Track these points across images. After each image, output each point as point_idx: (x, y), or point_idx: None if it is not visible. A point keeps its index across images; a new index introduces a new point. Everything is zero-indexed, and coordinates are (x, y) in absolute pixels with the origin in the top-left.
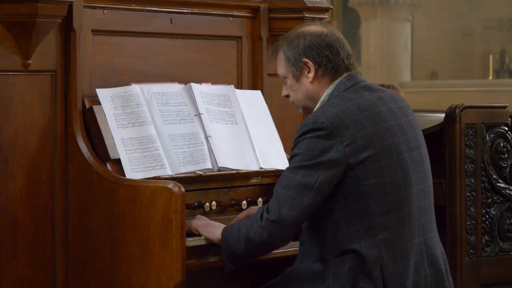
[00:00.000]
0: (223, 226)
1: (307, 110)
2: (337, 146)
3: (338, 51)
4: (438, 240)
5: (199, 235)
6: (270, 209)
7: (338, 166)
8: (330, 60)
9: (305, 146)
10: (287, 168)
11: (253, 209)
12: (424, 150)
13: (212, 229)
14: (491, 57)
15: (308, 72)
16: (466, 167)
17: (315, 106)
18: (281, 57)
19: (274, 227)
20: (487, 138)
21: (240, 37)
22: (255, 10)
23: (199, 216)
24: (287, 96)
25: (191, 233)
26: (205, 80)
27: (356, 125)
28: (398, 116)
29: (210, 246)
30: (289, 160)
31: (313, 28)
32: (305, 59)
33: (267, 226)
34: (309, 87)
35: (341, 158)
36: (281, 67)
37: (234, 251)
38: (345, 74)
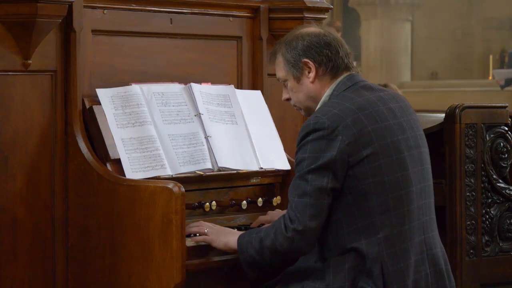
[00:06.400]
0: (233, 233)
1: (309, 111)
2: (339, 145)
3: (337, 50)
4: (438, 240)
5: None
6: (293, 220)
7: (341, 164)
8: (330, 58)
9: (309, 149)
10: (298, 176)
11: (270, 215)
12: (424, 149)
13: (223, 239)
14: (491, 57)
15: (309, 72)
16: (466, 167)
17: (316, 107)
18: (280, 60)
19: (301, 237)
20: (487, 138)
21: (240, 37)
22: (255, 10)
23: (201, 222)
24: (288, 99)
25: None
26: (205, 80)
27: (356, 124)
28: (398, 116)
29: (210, 246)
30: (296, 164)
31: (310, 29)
32: (305, 59)
33: (295, 238)
34: (310, 87)
35: (342, 156)
36: (281, 70)
37: (258, 262)
38: (345, 74)
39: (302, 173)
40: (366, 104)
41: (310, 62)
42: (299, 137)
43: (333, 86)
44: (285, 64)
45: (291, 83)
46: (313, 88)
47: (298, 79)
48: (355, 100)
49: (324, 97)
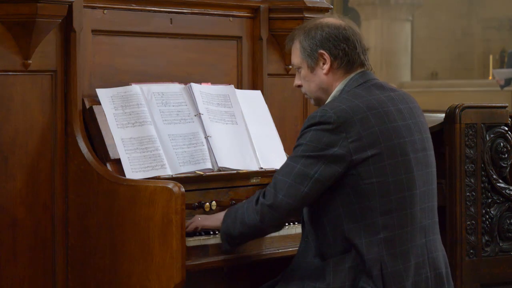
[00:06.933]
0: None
1: (319, 101)
2: (342, 142)
3: (355, 45)
4: (440, 243)
5: (200, 233)
6: (266, 194)
7: (341, 162)
8: (346, 53)
9: (310, 137)
10: (289, 157)
11: None
12: (431, 152)
13: (216, 217)
14: (491, 57)
15: (324, 64)
16: (466, 167)
17: (327, 98)
18: (296, 46)
19: (267, 212)
20: (487, 138)
21: (240, 37)
22: (255, 10)
23: (195, 217)
24: (299, 86)
25: (192, 233)
26: (205, 80)
27: (363, 123)
28: (406, 117)
29: (210, 246)
30: (293, 149)
31: (331, 20)
32: (322, 51)
33: (261, 210)
34: (323, 79)
35: (344, 154)
36: (296, 57)
37: (230, 232)
38: (358, 70)
39: (294, 156)
40: (376, 103)
41: (326, 54)
42: (303, 126)
43: (345, 81)
44: (301, 52)
45: (304, 71)
46: (325, 80)
47: (312, 69)
48: (365, 99)
49: (335, 92)
